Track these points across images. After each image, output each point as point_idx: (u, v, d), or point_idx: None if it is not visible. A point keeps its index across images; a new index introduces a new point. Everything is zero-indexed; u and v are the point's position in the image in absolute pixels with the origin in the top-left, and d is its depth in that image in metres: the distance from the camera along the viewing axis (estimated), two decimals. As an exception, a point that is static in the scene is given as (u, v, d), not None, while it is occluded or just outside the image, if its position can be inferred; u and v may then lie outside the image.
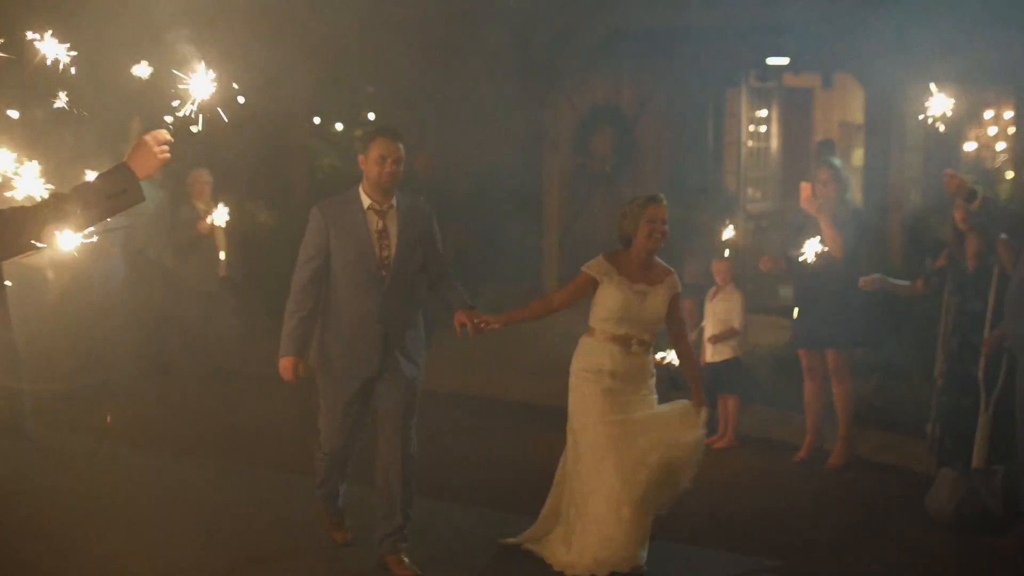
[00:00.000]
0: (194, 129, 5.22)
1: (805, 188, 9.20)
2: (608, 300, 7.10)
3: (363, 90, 16.14)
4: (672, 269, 7.30)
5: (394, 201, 6.97)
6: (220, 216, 11.58)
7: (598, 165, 16.27)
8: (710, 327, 10.09)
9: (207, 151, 11.99)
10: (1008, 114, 14.77)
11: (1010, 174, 14.05)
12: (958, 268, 8.47)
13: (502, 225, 14.44)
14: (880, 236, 12.91)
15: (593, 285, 7.17)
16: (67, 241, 4.79)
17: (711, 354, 10.03)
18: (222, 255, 12.33)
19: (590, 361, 7.14)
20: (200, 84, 5.14)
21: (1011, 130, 14.74)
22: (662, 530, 7.30)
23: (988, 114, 14.80)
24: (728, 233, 10.29)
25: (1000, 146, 14.89)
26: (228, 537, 7.62)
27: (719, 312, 10.03)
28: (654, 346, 7.33)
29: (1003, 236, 8.21)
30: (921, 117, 8.00)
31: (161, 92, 5.25)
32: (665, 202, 7.16)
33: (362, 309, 6.91)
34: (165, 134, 4.98)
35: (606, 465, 6.95)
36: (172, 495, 8.41)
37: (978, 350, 8.25)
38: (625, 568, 6.92)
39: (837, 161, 9.73)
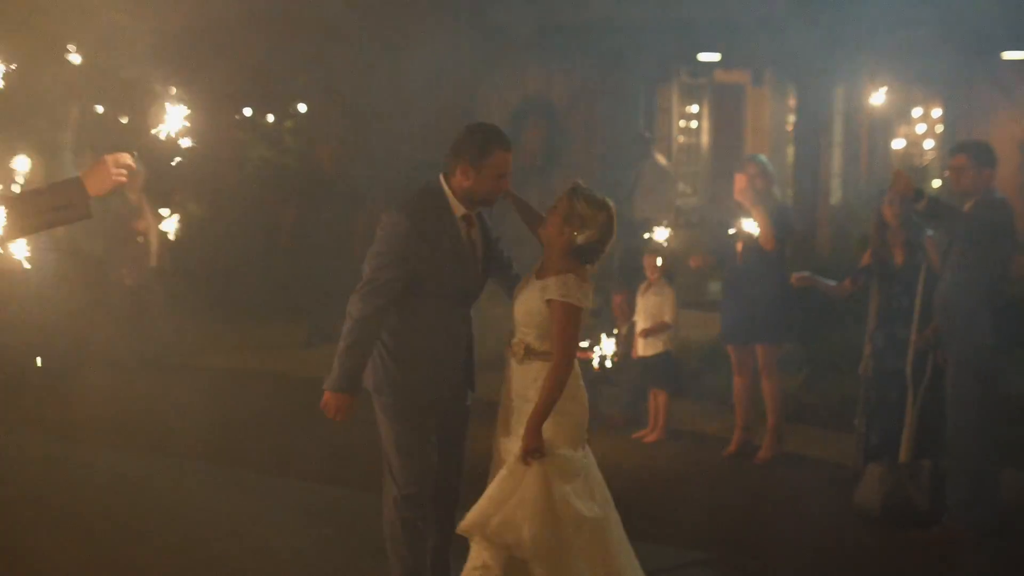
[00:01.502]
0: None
1: (740, 179, 9.27)
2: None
3: (294, 81, 16.04)
4: (568, 270, 5.85)
5: (473, 211, 6.06)
6: (169, 225, 11.52)
7: (529, 158, 16.28)
8: (641, 321, 10.11)
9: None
10: (936, 112, 14.96)
11: (937, 182, 14.20)
12: (885, 264, 8.55)
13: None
14: (808, 231, 13.05)
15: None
16: (19, 248, 4.80)
17: (642, 348, 10.06)
18: (153, 246, 12.25)
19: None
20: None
21: (939, 128, 14.94)
22: None
23: (916, 112, 14.98)
24: (663, 232, 10.28)
25: (928, 144, 15.07)
26: (157, 528, 7.58)
27: (651, 307, 10.05)
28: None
29: (930, 234, 8.32)
30: (849, 115, 8.08)
31: (94, 76, 5.26)
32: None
33: (453, 331, 6.00)
34: (127, 158, 4.98)
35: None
36: (101, 488, 8.35)
37: (905, 345, 8.33)
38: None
39: (763, 157, 9.83)
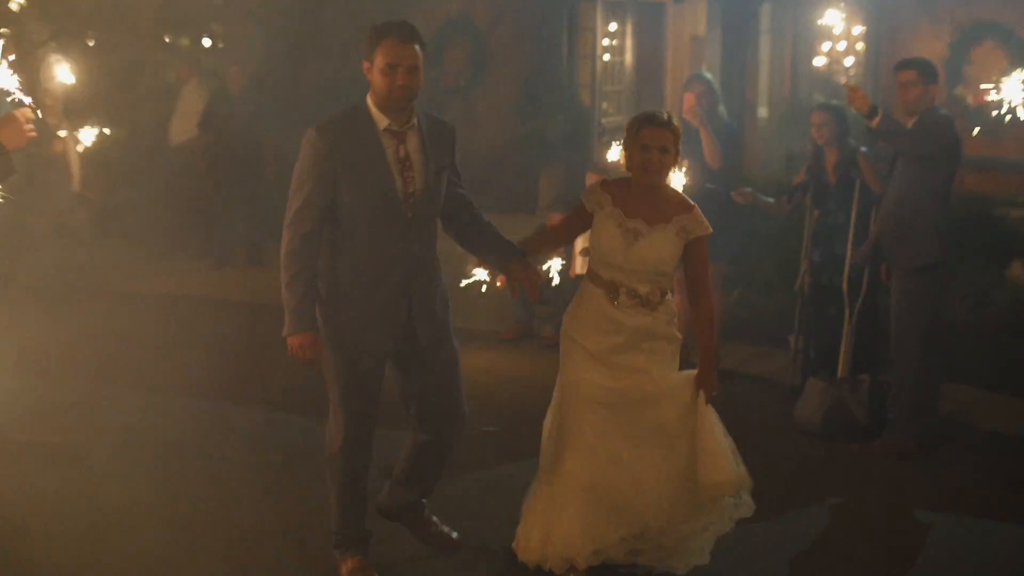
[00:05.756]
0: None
1: (688, 98, 9.25)
2: (595, 236, 5.81)
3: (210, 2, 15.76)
4: (693, 204, 5.81)
5: (415, 120, 5.58)
6: (87, 136, 11.32)
7: (452, 78, 16.18)
8: (581, 240, 10.08)
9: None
10: (857, 29, 15.03)
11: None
12: (819, 181, 8.61)
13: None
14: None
15: (587, 216, 5.87)
16: None
17: (580, 266, 10.04)
18: (74, 170, 12.05)
19: (578, 308, 5.89)
20: None
21: (860, 46, 15.02)
22: (503, 450, 7.46)
23: (838, 29, 15.02)
24: (614, 152, 10.21)
25: (848, 61, 15.15)
26: (101, 455, 7.53)
27: (591, 226, 10.03)
28: (659, 303, 5.79)
29: (863, 150, 8.39)
30: (774, 33, 8.08)
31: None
32: (669, 123, 5.72)
33: (381, 259, 5.52)
34: (30, 112, 4.97)
35: (579, 443, 5.74)
36: (44, 417, 8.26)
37: (841, 262, 8.42)
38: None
39: (709, 75, 9.81)
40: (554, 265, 8.51)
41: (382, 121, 5.50)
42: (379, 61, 5.39)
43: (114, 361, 9.65)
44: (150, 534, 6.38)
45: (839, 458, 7.87)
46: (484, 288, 6.69)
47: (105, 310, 11.26)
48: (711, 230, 5.78)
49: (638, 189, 5.76)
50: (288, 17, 14.99)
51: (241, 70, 13.75)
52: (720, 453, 5.69)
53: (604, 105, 16.72)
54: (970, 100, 13.75)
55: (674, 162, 5.76)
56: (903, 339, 7.85)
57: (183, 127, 14.32)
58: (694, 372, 5.83)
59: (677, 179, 8.75)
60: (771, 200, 9.02)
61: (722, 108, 9.46)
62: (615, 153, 10.05)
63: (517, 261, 5.83)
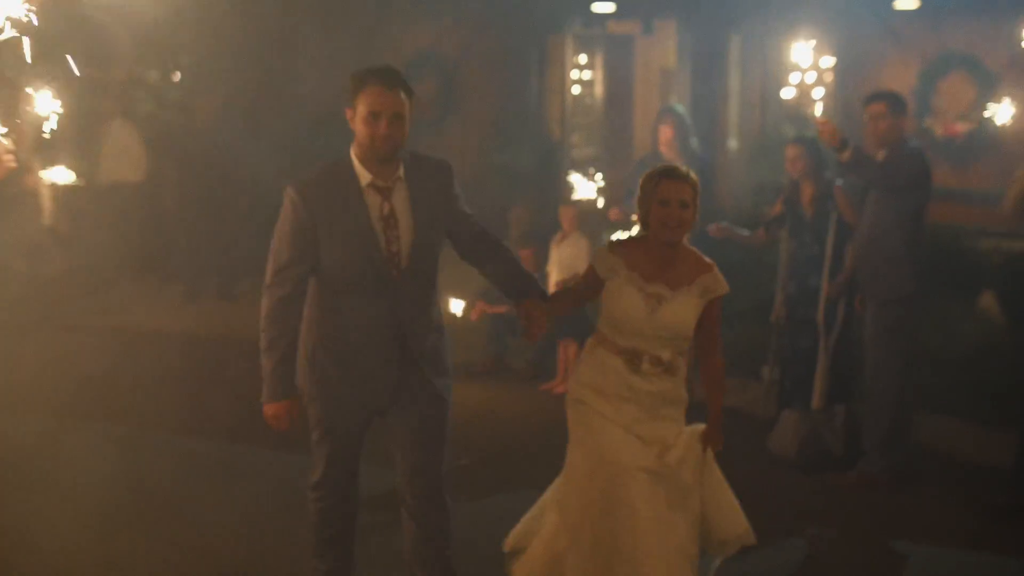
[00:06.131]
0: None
1: (665, 131, 9.29)
2: (611, 303, 5.44)
3: (179, 36, 15.72)
4: (711, 263, 5.49)
5: (400, 171, 5.19)
6: (60, 175, 11.27)
7: (423, 111, 16.18)
8: (555, 272, 10.11)
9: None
10: (826, 61, 15.07)
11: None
12: (795, 214, 8.63)
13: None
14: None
15: (599, 281, 5.50)
16: None
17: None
18: (45, 204, 12.00)
19: (590, 374, 5.53)
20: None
21: (829, 77, 15.06)
22: (477, 484, 7.42)
23: (807, 61, 15.07)
24: (588, 188, 10.19)
25: (818, 92, 15.18)
26: (68, 491, 7.46)
27: (565, 258, 10.06)
28: (679, 366, 5.49)
29: (838, 183, 8.42)
30: (744, 65, 8.11)
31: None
32: (687, 177, 5.39)
33: (367, 318, 5.20)
34: (8, 143, 5.02)
35: (624, 514, 5.32)
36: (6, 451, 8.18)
37: (817, 294, 8.43)
38: None
39: (681, 108, 9.86)
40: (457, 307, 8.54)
41: (365, 176, 5.13)
42: (361, 109, 5.06)
43: (82, 395, 9.57)
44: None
45: (815, 489, 7.89)
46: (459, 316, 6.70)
47: (75, 343, 11.21)
48: (728, 289, 5.46)
49: (654, 248, 5.41)
50: (260, 50, 14.98)
51: (208, 103, 13.71)
52: (735, 507, 5.58)
53: (574, 138, 16.74)
54: (939, 131, 13.82)
55: (693, 218, 5.37)
56: (878, 370, 7.87)
57: (113, 166, 14.13)
58: (700, 428, 5.52)
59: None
60: (746, 232, 9.03)
61: (694, 141, 9.51)
62: (586, 189, 10.09)
63: (534, 303, 5.41)
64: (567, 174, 13.01)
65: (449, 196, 5.35)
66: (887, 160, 7.77)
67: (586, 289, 5.60)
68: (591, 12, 15.87)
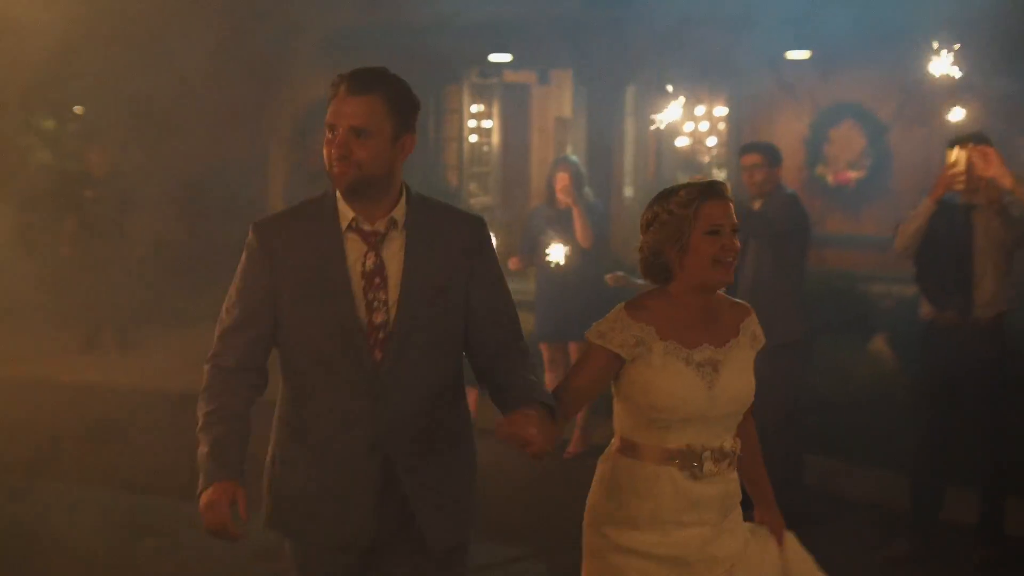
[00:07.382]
0: None
1: (562, 179, 9.36)
2: (649, 390, 3.94)
3: (74, 84, 15.60)
4: (748, 305, 4.21)
5: (399, 213, 3.75)
6: None
7: (317, 162, 16.13)
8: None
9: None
10: (720, 111, 15.34)
11: (721, 173, 14.60)
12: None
13: (223, 225, 14.21)
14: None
15: (616, 365, 3.99)
16: None
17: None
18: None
19: (627, 501, 4.03)
20: None
21: (722, 126, 15.32)
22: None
23: (700, 110, 15.34)
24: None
25: (711, 141, 15.44)
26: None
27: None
28: (737, 451, 4.17)
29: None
30: (639, 115, 8.24)
31: None
32: (730, 194, 3.99)
33: (338, 420, 3.73)
34: None
35: None
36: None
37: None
38: None
39: (575, 158, 9.98)
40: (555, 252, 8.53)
41: (347, 214, 3.73)
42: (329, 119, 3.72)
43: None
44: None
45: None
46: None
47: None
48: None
49: (687, 301, 4.02)
50: (158, 98, 14.90)
51: (103, 151, 13.62)
52: None
53: (472, 186, 16.83)
54: (830, 179, 14.09)
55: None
56: (767, 415, 7.94)
57: None
58: (761, 527, 4.27)
59: (556, 253, 8.84)
60: (641, 282, 9.07)
61: (588, 190, 9.59)
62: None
63: (529, 414, 3.57)
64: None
65: (472, 264, 3.84)
66: (764, 208, 7.94)
67: (596, 383, 4.06)
68: (488, 62, 16.00)
